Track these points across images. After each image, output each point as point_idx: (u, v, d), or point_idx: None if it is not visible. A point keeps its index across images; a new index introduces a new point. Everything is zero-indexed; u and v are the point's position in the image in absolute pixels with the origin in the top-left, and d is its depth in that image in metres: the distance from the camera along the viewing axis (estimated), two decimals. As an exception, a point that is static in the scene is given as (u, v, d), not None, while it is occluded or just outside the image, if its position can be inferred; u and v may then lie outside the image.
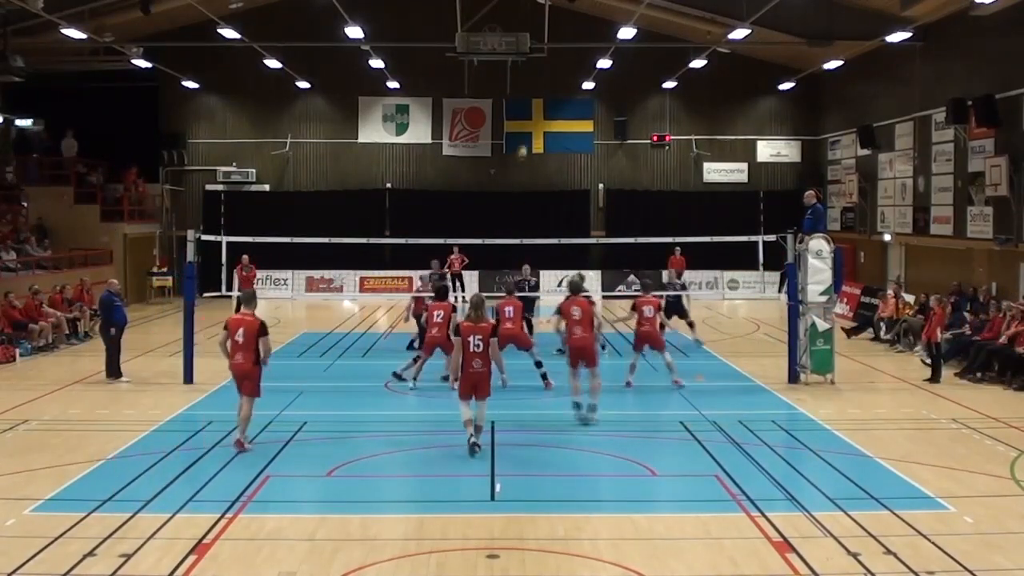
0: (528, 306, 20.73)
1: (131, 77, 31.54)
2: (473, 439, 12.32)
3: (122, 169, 32.70)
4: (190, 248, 17.99)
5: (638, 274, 22.58)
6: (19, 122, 31.77)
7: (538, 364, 16.99)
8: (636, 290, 33.42)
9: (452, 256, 30.57)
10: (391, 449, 13.15)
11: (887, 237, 29.70)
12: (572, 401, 14.38)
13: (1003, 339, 17.99)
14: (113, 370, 17.74)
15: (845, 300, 26.62)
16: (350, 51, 31.43)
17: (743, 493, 10.71)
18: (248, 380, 12.67)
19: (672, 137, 35.68)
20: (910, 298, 23.46)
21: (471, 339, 12.25)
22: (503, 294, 18.49)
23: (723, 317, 29.21)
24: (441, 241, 24.40)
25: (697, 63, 30.82)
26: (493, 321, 12.86)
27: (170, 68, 31.78)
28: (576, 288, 14.88)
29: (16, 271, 24.96)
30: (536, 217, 33.56)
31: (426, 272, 22.82)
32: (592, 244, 33.25)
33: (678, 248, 31.44)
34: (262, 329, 12.61)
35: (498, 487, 11.10)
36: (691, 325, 22.49)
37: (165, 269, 32.96)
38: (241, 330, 12.59)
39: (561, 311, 14.62)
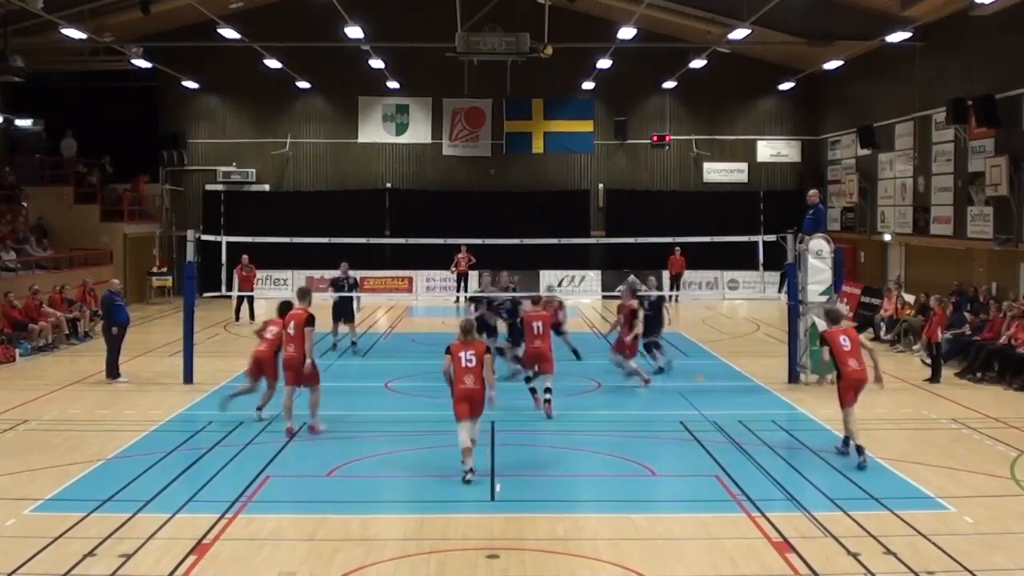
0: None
1: (131, 77, 31.53)
2: (469, 468, 11.40)
3: (132, 174, 32.89)
4: (190, 248, 17.98)
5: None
6: (19, 122, 31.78)
7: (547, 390, 15.07)
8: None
9: (459, 255, 30.62)
10: (391, 449, 13.15)
11: (887, 237, 29.70)
12: (843, 437, 12.65)
13: (1003, 339, 18.00)
14: (112, 370, 17.72)
15: (845, 300, 26.60)
16: (350, 51, 31.42)
17: (743, 493, 10.71)
18: (302, 371, 13.42)
19: (672, 137, 35.68)
20: (910, 298, 23.45)
21: (463, 355, 11.71)
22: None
23: (723, 317, 29.22)
24: (441, 241, 24.41)
25: (697, 63, 30.82)
26: (485, 341, 12.82)
27: (170, 68, 31.78)
28: (838, 317, 13.24)
29: (16, 271, 24.94)
30: (536, 217, 33.59)
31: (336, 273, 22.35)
32: (592, 244, 33.24)
33: (677, 248, 31.54)
34: (308, 321, 13.50)
35: (498, 487, 11.10)
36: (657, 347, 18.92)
37: (165, 269, 32.95)
38: (292, 323, 13.61)
39: (828, 340, 12.81)
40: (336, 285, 21.39)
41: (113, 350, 17.81)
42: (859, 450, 12.02)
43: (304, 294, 14.22)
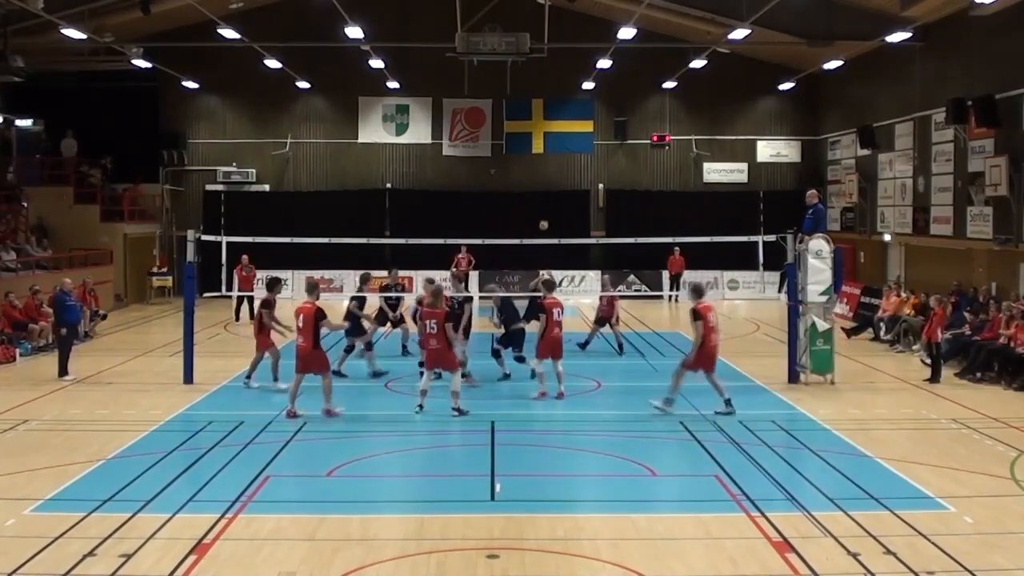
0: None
1: (131, 77, 31.54)
2: (421, 404, 14.60)
3: (133, 174, 32.98)
4: (190, 248, 17.97)
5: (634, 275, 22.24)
6: (19, 122, 31.78)
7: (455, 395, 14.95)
8: (636, 290, 33.71)
9: (459, 256, 30.58)
10: (391, 449, 13.16)
11: (887, 237, 29.70)
12: (724, 400, 14.90)
13: (1002, 339, 18.00)
14: (63, 369, 17.86)
15: (845, 300, 26.62)
16: (350, 51, 31.42)
17: (743, 493, 10.71)
18: (313, 361, 14.40)
19: (672, 137, 35.67)
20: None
21: (428, 322, 14.61)
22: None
23: (723, 317, 29.00)
24: (441, 241, 24.40)
25: (697, 63, 30.81)
26: (446, 308, 15.20)
27: (170, 68, 31.77)
28: (703, 292, 15.20)
29: (16, 271, 24.94)
30: (536, 217, 33.54)
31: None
32: (592, 244, 33.24)
33: (677, 248, 31.55)
34: (318, 315, 14.36)
35: (498, 487, 11.09)
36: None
37: (165, 269, 32.96)
38: (301, 316, 14.36)
39: (702, 314, 14.68)
40: (385, 290, 20.71)
41: (65, 349, 18.01)
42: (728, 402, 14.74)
43: (312, 288, 14.95)
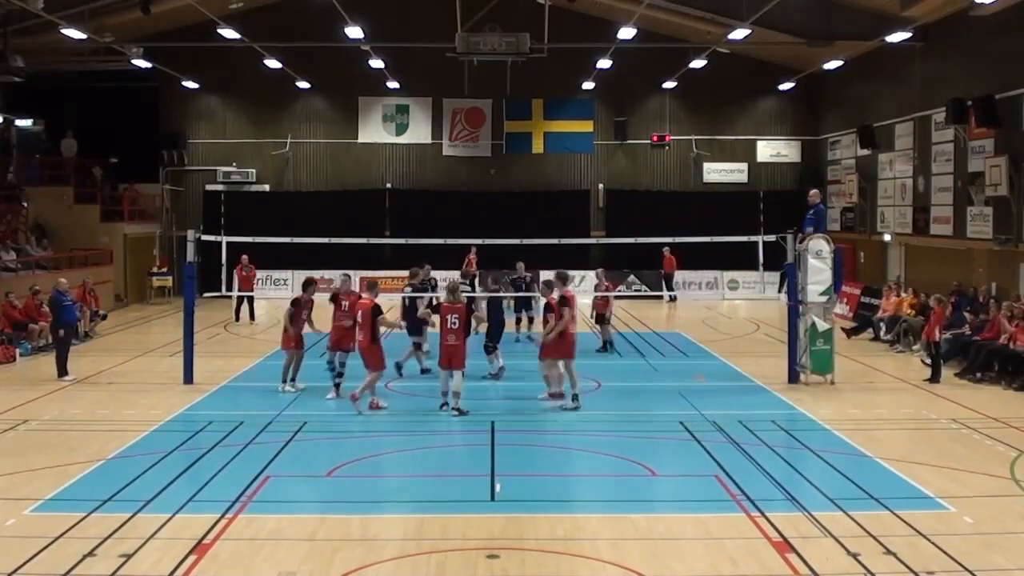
0: (526, 303, 21.94)
1: (131, 77, 31.54)
2: (444, 403, 14.77)
3: (133, 174, 32.96)
4: (190, 248, 17.97)
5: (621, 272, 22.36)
6: (19, 122, 31.78)
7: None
8: (636, 290, 33.73)
9: (469, 256, 30.58)
10: (391, 449, 13.16)
11: (887, 237, 29.70)
12: (570, 393, 15.24)
13: (1003, 339, 18.01)
14: (62, 369, 17.88)
15: (845, 300, 26.62)
16: (350, 51, 31.42)
17: (743, 493, 10.71)
18: (367, 355, 14.96)
19: (672, 137, 35.66)
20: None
21: (449, 317, 14.67)
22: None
23: (723, 317, 29.22)
24: (441, 241, 24.41)
25: (697, 63, 30.81)
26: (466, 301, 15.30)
27: (170, 68, 31.77)
28: (567, 279, 15.71)
29: (16, 271, 24.94)
30: (536, 217, 33.57)
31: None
32: (592, 244, 33.24)
33: (666, 248, 31.56)
34: (375, 311, 14.87)
35: (498, 487, 11.10)
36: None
37: (165, 269, 32.95)
38: (360, 312, 15.03)
39: (569, 301, 15.03)
40: (515, 285, 22.18)
41: (63, 349, 18.02)
42: (575, 397, 14.97)
43: (372, 286, 15.71)
